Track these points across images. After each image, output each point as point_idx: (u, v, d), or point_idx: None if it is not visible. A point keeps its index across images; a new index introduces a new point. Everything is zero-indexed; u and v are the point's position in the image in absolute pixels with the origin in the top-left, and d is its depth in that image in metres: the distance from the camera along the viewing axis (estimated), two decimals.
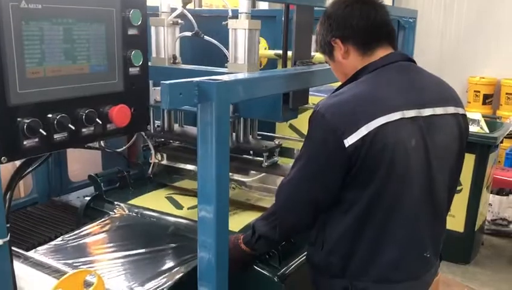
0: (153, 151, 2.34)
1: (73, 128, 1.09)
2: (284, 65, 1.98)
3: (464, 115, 1.59)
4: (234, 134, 2.19)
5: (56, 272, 1.60)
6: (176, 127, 2.40)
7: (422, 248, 1.53)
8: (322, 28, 1.55)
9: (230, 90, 1.37)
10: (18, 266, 1.48)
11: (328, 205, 1.48)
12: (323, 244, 1.52)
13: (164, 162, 2.42)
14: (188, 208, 2.19)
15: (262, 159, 2.15)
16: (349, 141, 1.34)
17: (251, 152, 2.24)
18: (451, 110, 1.52)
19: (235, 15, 1.86)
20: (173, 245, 1.90)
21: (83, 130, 1.14)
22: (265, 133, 3.08)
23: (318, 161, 1.44)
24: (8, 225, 1.02)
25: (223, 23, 1.85)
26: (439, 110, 1.49)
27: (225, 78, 1.40)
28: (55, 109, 1.07)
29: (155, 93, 1.24)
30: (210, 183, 1.33)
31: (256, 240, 1.64)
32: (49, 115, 1.06)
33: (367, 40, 1.50)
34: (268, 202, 2.10)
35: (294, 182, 1.50)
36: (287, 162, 2.89)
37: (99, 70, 1.16)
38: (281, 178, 1.94)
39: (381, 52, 1.51)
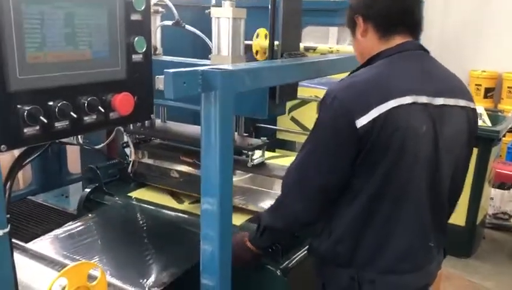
0: (132, 149, 2.22)
1: (75, 116, 1.06)
2: (271, 58, 1.83)
3: (474, 110, 1.57)
4: None
5: (56, 264, 1.58)
6: (158, 122, 2.27)
7: (427, 238, 1.53)
8: (351, 3, 1.56)
9: (234, 79, 1.35)
10: (17, 258, 1.46)
11: (336, 193, 1.45)
12: (330, 234, 1.51)
13: (145, 160, 2.28)
14: (190, 203, 2.17)
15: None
16: (361, 122, 1.33)
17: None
18: (462, 103, 1.50)
19: (219, 4, 1.73)
20: (175, 239, 1.88)
21: (85, 118, 1.11)
22: (266, 126, 3.07)
23: (328, 144, 1.41)
24: (8, 216, 0.99)
25: (206, 11, 1.74)
26: (450, 101, 1.47)
27: (230, 67, 1.38)
28: (56, 96, 1.04)
29: (158, 82, 1.20)
30: (214, 174, 1.31)
31: (261, 232, 1.60)
32: (50, 103, 1.03)
33: (387, 25, 1.49)
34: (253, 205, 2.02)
35: (303, 167, 1.45)
36: (289, 155, 2.88)
37: (102, 56, 1.13)
38: (267, 179, 1.94)
39: (399, 40, 1.49)
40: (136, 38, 1.19)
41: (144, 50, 1.22)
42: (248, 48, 2.68)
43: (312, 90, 3.04)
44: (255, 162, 2.00)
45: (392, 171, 1.39)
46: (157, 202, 2.14)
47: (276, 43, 2.03)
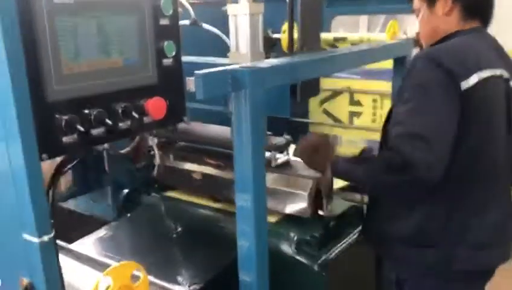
0: (156, 153, 2.20)
1: (110, 123, 1.09)
2: (291, 51, 1.85)
3: None
4: None
5: (98, 265, 1.63)
6: (181, 124, 2.22)
7: (510, 211, 1.59)
8: None
9: (263, 77, 1.35)
10: (62, 259, 1.52)
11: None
12: (410, 212, 1.53)
13: (169, 163, 2.22)
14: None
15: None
16: (464, 86, 1.39)
17: None
18: None
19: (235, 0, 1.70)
20: (212, 236, 1.90)
21: (120, 124, 1.13)
22: (299, 120, 3.06)
23: (436, 105, 1.40)
24: (53, 221, 1.03)
25: (222, 8, 1.72)
26: None
27: (259, 64, 1.38)
28: (92, 104, 1.07)
29: (189, 83, 1.22)
30: (247, 172, 1.33)
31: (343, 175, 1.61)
32: (86, 111, 1.06)
33: (474, 10, 1.56)
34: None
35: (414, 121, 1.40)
36: None
37: (133, 63, 1.15)
38: (293, 178, 1.85)
39: (475, 25, 1.58)
40: (166, 43, 1.21)
41: (173, 54, 1.23)
42: (276, 41, 2.67)
43: (344, 81, 3.00)
44: (279, 161, 1.95)
45: (481, 141, 1.46)
46: (193, 201, 2.17)
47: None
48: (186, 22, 1.91)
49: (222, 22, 1.76)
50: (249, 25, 1.63)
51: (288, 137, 2.03)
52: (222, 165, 2.00)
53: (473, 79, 1.40)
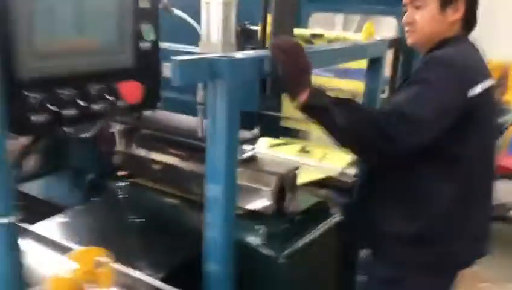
0: (118, 139, 2.11)
1: (83, 104, 1.06)
2: (263, 44, 1.79)
3: None
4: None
5: (62, 248, 1.59)
6: (148, 112, 2.01)
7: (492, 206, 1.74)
8: None
9: (242, 68, 1.34)
10: (23, 242, 1.47)
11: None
12: (414, 214, 1.59)
13: (130, 150, 2.14)
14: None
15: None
16: (470, 93, 1.46)
17: None
18: None
19: None
20: (178, 226, 1.89)
21: (93, 106, 1.10)
22: (270, 113, 3.05)
23: (438, 100, 1.46)
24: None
25: None
26: None
27: (238, 55, 1.37)
28: (64, 84, 1.04)
29: (165, 69, 1.20)
30: (219, 163, 1.32)
31: (319, 105, 1.44)
32: (58, 90, 1.03)
33: (473, 20, 1.65)
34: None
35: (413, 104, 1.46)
36: (291, 143, 2.87)
37: (109, 44, 1.12)
38: (258, 173, 1.82)
39: (466, 34, 1.66)
40: (144, 26, 1.18)
41: (151, 38, 1.21)
42: (254, 34, 2.65)
43: (317, 79, 3.01)
44: (244, 156, 1.92)
45: (483, 144, 1.59)
46: (161, 188, 2.14)
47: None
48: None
49: (196, 9, 1.69)
50: (222, 15, 1.58)
51: (255, 132, 2.01)
52: (184, 155, 1.97)
53: (479, 88, 1.48)
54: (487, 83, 1.53)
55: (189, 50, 1.65)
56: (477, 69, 1.54)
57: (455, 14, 1.57)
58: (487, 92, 1.52)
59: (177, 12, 1.81)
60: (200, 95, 1.59)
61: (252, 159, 1.95)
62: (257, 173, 1.84)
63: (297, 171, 1.89)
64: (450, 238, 1.60)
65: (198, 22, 1.69)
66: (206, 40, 1.61)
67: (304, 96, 1.40)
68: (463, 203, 1.59)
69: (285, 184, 1.80)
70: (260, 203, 1.81)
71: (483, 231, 1.70)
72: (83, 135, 1.96)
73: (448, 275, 1.70)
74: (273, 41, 1.41)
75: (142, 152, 2.11)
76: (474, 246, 1.67)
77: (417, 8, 1.60)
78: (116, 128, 2.11)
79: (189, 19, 1.82)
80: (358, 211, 1.83)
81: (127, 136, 2.14)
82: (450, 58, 1.50)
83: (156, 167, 2.07)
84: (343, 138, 1.50)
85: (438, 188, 1.57)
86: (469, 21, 1.63)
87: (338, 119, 1.41)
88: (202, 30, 1.64)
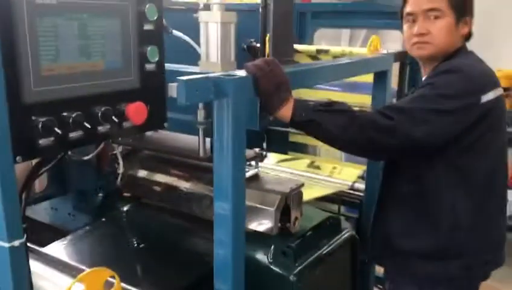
0: (120, 160, 2.10)
1: (89, 126, 1.07)
2: None
3: None
4: (208, 140, 1.81)
5: (71, 269, 1.59)
6: (149, 132, 2.07)
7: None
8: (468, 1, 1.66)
9: (247, 87, 1.35)
10: (32, 263, 1.48)
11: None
12: (433, 227, 1.59)
13: (133, 172, 2.14)
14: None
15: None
16: (483, 99, 1.48)
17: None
18: None
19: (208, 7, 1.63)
20: (188, 244, 1.88)
21: (99, 128, 1.11)
22: (278, 128, 3.06)
23: (451, 102, 1.47)
24: (25, 226, 1.00)
25: (194, 15, 1.64)
26: None
27: (242, 74, 1.38)
28: (71, 106, 1.05)
29: (171, 89, 1.21)
30: (226, 180, 1.32)
31: (305, 120, 1.43)
32: (65, 113, 1.04)
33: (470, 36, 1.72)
34: None
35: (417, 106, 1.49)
36: (300, 158, 2.86)
37: (115, 66, 1.13)
38: (259, 192, 1.77)
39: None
40: (149, 48, 1.20)
41: (156, 59, 1.22)
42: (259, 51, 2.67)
43: (324, 93, 3.02)
44: (247, 175, 1.87)
45: (499, 152, 1.60)
46: (166, 208, 2.14)
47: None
48: None
49: (195, 29, 1.68)
50: (220, 34, 1.57)
51: (257, 150, 1.99)
52: (186, 176, 1.96)
53: (492, 94, 1.51)
54: (498, 92, 1.54)
55: (188, 70, 1.62)
56: (488, 76, 1.57)
57: (465, 28, 1.64)
58: (498, 100, 1.53)
59: (176, 33, 1.83)
60: (200, 115, 1.58)
61: (255, 178, 1.92)
62: (260, 192, 1.80)
63: (302, 189, 1.84)
64: (477, 249, 1.60)
65: (197, 41, 1.69)
66: (206, 59, 1.60)
67: (287, 112, 1.40)
68: (484, 212, 1.58)
69: (290, 203, 1.76)
70: (263, 223, 1.76)
71: (502, 239, 1.70)
72: (85, 158, 2.05)
73: (474, 287, 1.69)
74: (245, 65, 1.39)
75: (143, 173, 2.11)
76: (498, 255, 1.68)
77: (435, 18, 1.59)
78: (118, 150, 2.09)
79: (187, 39, 1.84)
80: (374, 227, 1.81)
81: (129, 158, 2.14)
82: (458, 66, 1.54)
83: (158, 188, 2.06)
84: (340, 144, 1.50)
85: (459, 199, 1.56)
86: (470, 34, 1.70)
87: (330, 127, 1.40)
88: (201, 50, 1.63)
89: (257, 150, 1.95)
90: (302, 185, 1.85)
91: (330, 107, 1.43)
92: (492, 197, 1.61)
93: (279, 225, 1.75)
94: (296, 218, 1.79)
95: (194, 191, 1.92)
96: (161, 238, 1.94)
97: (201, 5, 1.72)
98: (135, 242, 1.89)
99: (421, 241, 1.60)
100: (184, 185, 1.97)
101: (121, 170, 2.09)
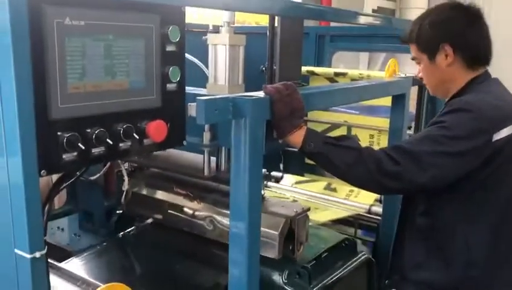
0: (126, 178, 2.04)
1: (111, 142, 1.10)
2: (270, 84, 1.65)
3: None
4: (215, 161, 1.78)
5: (88, 285, 1.61)
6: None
7: None
8: (434, 27, 1.58)
9: (265, 107, 1.37)
10: (52, 278, 1.50)
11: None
12: (446, 262, 1.56)
13: (138, 190, 2.11)
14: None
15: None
16: (496, 137, 1.44)
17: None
18: None
19: (216, 30, 1.64)
20: (203, 262, 1.89)
21: (120, 144, 1.14)
22: (294, 149, 3.07)
23: (461, 144, 1.43)
24: (45, 238, 1.03)
25: (203, 38, 1.62)
26: None
27: (260, 94, 1.40)
28: (94, 123, 1.09)
29: (190, 109, 1.24)
30: (243, 200, 1.33)
31: (313, 151, 1.43)
32: (88, 130, 1.08)
33: (477, 57, 1.60)
34: None
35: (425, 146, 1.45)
36: (318, 179, 2.86)
37: (138, 86, 1.17)
38: (264, 215, 1.59)
39: (482, 69, 1.62)
40: (171, 68, 1.23)
41: (178, 79, 1.26)
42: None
43: (342, 115, 3.04)
44: None
45: None
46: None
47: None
48: None
49: (204, 51, 1.67)
50: (228, 57, 1.55)
51: (264, 171, 1.96)
52: (191, 195, 1.96)
53: (506, 131, 1.45)
54: None
55: (196, 92, 1.59)
56: (502, 112, 1.49)
57: (447, 59, 1.57)
58: None
59: (186, 55, 1.83)
60: (206, 137, 1.59)
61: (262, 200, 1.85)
62: (264, 214, 1.70)
63: (308, 213, 1.80)
64: (488, 286, 1.56)
65: (205, 63, 1.68)
66: (213, 82, 1.60)
67: (298, 139, 1.41)
68: (499, 248, 1.55)
69: (294, 227, 1.72)
70: (267, 247, 1.69)
71: None
72: (92, 178, 2.02)
73: None
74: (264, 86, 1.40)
75: (148, 191, 2.10)
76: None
77: (418, 64, 1.68)
78: (124, 166, 2.05)
79: (196, 61, 1.84)
80: (392, 255, 1.81)
81: (134, 175, 2.13)
82: (467, 103, 1.48)
83: (161, 206, 2.04)
84: (346, 179, 1.51)
85: (472, 233, 1.53)
86: (472, 59, 1.59)
87: (337, 163, 1.42)
88: (210, 72, 1.62)
89: (264, 170, 1.91)
90: (309, 209, 1.81)
91: (340, 142, 1.44)
92: (509, 232, 1.56)
93: (282, 250, 1.69)
94: (301, 243, 1.75)
95: (197, 210, 1.91)
96: (170, 259, 1.94)
97: (211, 27, 1.72)
98: (145, 260, 1.89)
99: (433, 275, 1.59)
100: (187, 204, 1.96)
101: (125, 187, 2.06)
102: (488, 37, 1.61)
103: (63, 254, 1.98)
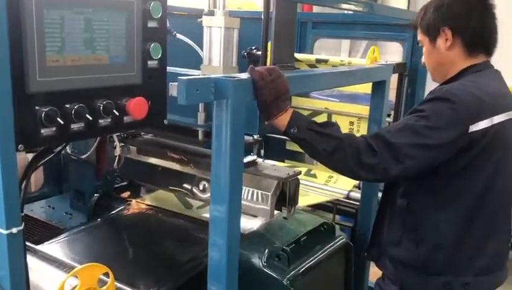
0: (117, 143, 2.05)
1: (90, 118, 1.08)
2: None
3: None
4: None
5: (66, 267, 1.60)
6: None
7: (510, 237, 1.69)
8: (436, 11, 1.60)
9: (246, 88, 1.37)
10: (28, 259, 1.48)
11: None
12: (420, 242, 1.59)
13: (131, 156, 2.12)
14: (197, 208, 2.18)
15: None
16: (472, 128, 1.44)
17: None
18: None
19: (212, 12, 1.65)
20: (182, 244, 1.89)
21: (100, 121, 1.13)
22: (275, 136, 3.08)
23: (438, 135, 1.45)
24: (23, 214, 1.01)
25: (198, 20, 1.65)
26: None
27: (243, 76, 1.39)
28: (73, 98, 1.07)
29: (172, 89, 1.22)
30: (223, 182, 1.32)
31: (296, 136, 1.46)
32: (67, 105, 1.06)
33: (477, 43, 1.60)
34: None
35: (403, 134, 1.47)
36: (297, 166, 2.88)
37: (118, 61, 1.15)
38: (257, 177, 1.80)
39: (482, 58, 1.62)
40: (152, 45, 1.22)
41: (159, 56, 1.24)
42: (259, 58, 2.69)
43: (323, 102, 3.05)
44: (245, 160, 1.86)
45: (494, 178, 1.53)
46: (165, 207, 2.15)
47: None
48: None
49: (198, 34, 1.70)
50: (223, 39, 1.59)
51: (256, 136, 1.91)
52: (185, 159, 1.95)
53: (484, 124, 1.45)
54: (497, 119, 1.48)
55: (190, 73, 1.63)
56: (484, 104, 1.47)
57: (446, 42, 1.58)
58: (495, 128, 1.47)
59: (180, 36, 1.85)
60: (201, 118, 1.59)
61: (253, 164, 1.91)
62: (257, 177, 1.81)
63: (299, 177, 1.85)
64: (459, 270, 1.58)
65: (200, 45, 1.70)
66: (208, 63, 1.62)
67: (283, 122, 1.44)
68: (472, 235, 1.57)
69: (286, 189, 1.77)
70: (260, 208, 1.77)
71: (498, 262, 1.66)
72: (83, 156, 2.05)
73: None
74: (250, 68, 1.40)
75: (141, 157, 2.10)
76: (488, 278, 1.63)
77: (422, 47, 1.69)
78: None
79: (191, 43, 1.86)
80: (373, 230, 1.86)
81: (126, 141, 2.11)
82: (448, 93, 1.48)
83: (154, 170, 2.05)
84: (324, 162, 1.54)
85: (443, 218, 1.56)
86: (471, 44, 1.59)
87: (317, 149, 1.46)
88: (204, 54, 1.65)
89: (256, 136, 1.90)
90: (300, 173, 1.86)
91: (322, 129, 1.46)
92: (485, 220, 1.57)
93: (273, 210, 1.76)
94: (292, 205, 1.81)
95: (189, 173, 1.91)
96: (155, 237, 1.94)
97: (206, 10, 1.71)
98: (129, 240, 1.89)
99: (405, 253, 1.63)
100: (179, 167, 1.96)
101: (118, 152, 2.06)
102: (492, 25, 1.59)
103: (54, 232, 2.01)
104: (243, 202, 1.72)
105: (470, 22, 1.57)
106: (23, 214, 1.02)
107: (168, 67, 1.66)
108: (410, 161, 1.44)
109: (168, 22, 1.74)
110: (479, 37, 1.60)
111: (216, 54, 1.61)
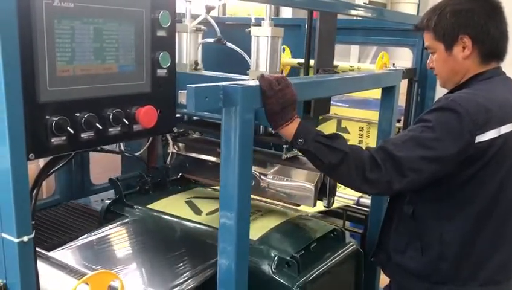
0: (170, 141, 2.35)
1: (100, 127, 1.10)
2: (306, 73, 2.00)
3: None
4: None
5: (77, 274, 1.60)
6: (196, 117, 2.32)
7: None
8: (454, 17, 1.53)
9: (255, 96, 1.37)
10: (39, 265, 1.49)
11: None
12: (424, 250, 1.57)
13: (182, 152, 2.39)
14: (207, 214, 2.18)
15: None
16: (480, 138, 1.41)
17: (271, 145, 2.29)
18: None
19: (258, 22, 1.83)
20: (192, 251, 1.89)
21: (110, 129, 1.14)
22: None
23: (444, 147, 1.42)
24: (33, 222, 1.02)
25: (246, 30, 1.84)
26: None
27: (251, 83, 1.39)
28: (83, 107, 1.08)
29: (181, 96, 1.23)
30: (232, 189, 1.32)
31: (304, 148, 1.45)
32: (77, 114, 1.07)
33: (494, 52, 1.57)
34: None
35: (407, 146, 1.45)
36: None
37: (128, 70, 1.16)
38: (300, 171, 1.99)
39: (494, 65, 1.58)
40: (161, 54, 1.23)
41: (168, 65, 1.25)
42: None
43: (332, 108, 3.03)
44: (289, 155, 2.07)
45: (502, 188, 1.49)
46: (175, 213, 2.16)
47: (299, 60, 2.09)
48: (211, 40, 2.07)
49: (246, 43, 1.89)
50: (269, 47, 1.75)
51: None
52: None
53: (491, 134, 1.42)
54: (504, 129, 1.45)
55: (238, 78, 1.72)
56: (491, 113, 1.43)
57: (464, 51, 1.53)
58: (503, 138, 1.44)
59: (229, 44, 2.03)
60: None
61: (295, 159, 2.09)
62: (301, 170, 2.01)
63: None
64: (463, 280, 1.56)
65: (248, 53, 1.88)
66: (255, 69, 1.79)
67: (289, 132, 1.43)
68: (477, 246, 1.54)
69: (326, 181, 1.95)
70: (304, 197, 1.98)
71: (505, 273, 1.62)
72: (137, 154, 2.33)
73: None
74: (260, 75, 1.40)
75: (192, 153, 2.37)
76: (494, 289, 1.60)
77: (432, 54, 1.63)
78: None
79: (239, 50, 2.02)
80: (380, 235, 1.84)
81: (177, 140, 2.39)
82: (454, 102, 1.44)
83: (203, 165, 2.30)
84: (328, 174, 1.60)
85: (448, 228, 1.54)
86: (488, 53, 1.55)
87: (323, 161, 1.45)
88: (252, 60, 1.81)
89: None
90: None
91: (329, 141, 1.45)
92: (492, 231, 1.54)
93: (315, 200, 1.96)
94: (331, 195, 1.98)
95: None
96: (168, 241, 1.95)
97: (253, 20, 1.93)
98: (141, 245, 1.90)
99: (410, 260, 1.62)
100: None
101: (171, 149, 2.34)
102: (505, 32, 1.56)
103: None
104: (289, 191, 2.02)
105: (488, 30, 1.51)
106: (34, 222, 1.03)
107: (216, 73, 1.85)
108: (415, 174, 1.42)
109: (218, 32, 2.02)
110: (496, 44, 1.55)
111: (263, 61, 1.79)
